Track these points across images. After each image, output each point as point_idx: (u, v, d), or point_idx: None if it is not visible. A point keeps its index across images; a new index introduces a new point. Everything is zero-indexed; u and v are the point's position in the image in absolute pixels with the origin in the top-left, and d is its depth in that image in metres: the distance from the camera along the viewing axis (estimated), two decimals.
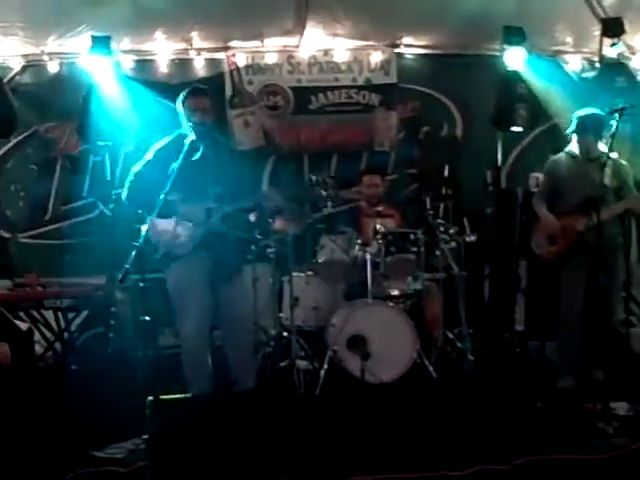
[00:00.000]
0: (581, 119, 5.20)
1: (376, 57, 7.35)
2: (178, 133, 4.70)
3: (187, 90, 4.73)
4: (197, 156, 4.51)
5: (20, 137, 6.89)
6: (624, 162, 5.27)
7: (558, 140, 6.12)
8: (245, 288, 5.11)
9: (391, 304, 5.50)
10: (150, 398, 4.15)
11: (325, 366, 5.21)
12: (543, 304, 5.99)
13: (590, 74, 7.33)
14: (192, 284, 4.55)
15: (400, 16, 6.76)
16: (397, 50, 7.36)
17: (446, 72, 7.34)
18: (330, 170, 7.16)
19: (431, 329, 5.71)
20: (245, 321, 4.84)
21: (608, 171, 4.80)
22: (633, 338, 5.29)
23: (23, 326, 4.87)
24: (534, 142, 7.30)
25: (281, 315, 5.91)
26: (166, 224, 4.47)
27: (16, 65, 6.93)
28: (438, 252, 5.71)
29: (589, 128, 5.14)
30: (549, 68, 7.12)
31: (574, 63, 7.48)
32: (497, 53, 6.98)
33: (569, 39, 7.23)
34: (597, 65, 7.16)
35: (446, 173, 6.32)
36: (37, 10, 6.09)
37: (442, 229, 5.71)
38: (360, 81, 7.35)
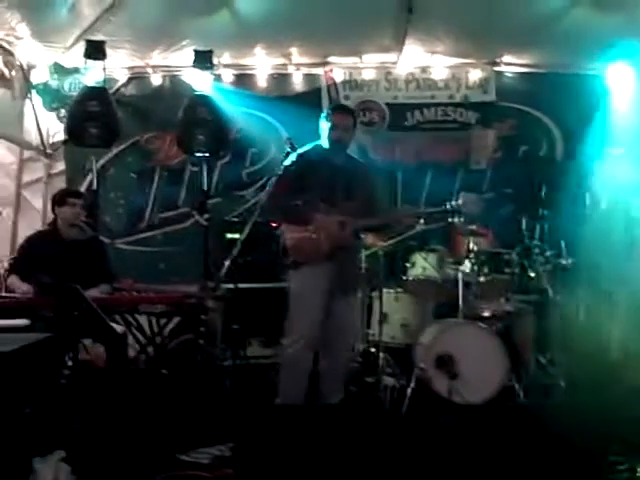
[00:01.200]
0: None
1: (475, 75, 7.27)
2: (315, 144, 4.78)
3: (334, 105, 4.82)
4: (331, 170, 4.54)
5: (122, 146, 7.11)
6: None
7: None
8: (357, 307, 5.10)
9: (482, 325, 5.39)
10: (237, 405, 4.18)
11: (412, 384, 5.15)
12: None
13: None
14: (314, 293, 4.58)
15: (500, 34, 6.65)
16: (496, 68, 7.27)
17: (546, 91, 7.17)
18: (424, 187, 7.08)
19: (522, 352, 5.56)
20: (348, 336, 4.84)
21: None
22: None
23: (119, 329, 4.99)
24: None
25: (369, 331, 5.88)
26: (299, 231, 4.51)
27: (122, 77, 7.19)
28: (533, 274, 5.58)
29: None
30: None
31: None
32: (598, 72, 6.85)
33: None
34: None
35: (543, 193, 6.17)
36: (143, 25, 6.30)
37: (538, 251, 5.58)
38: (457, 99, 7.28)
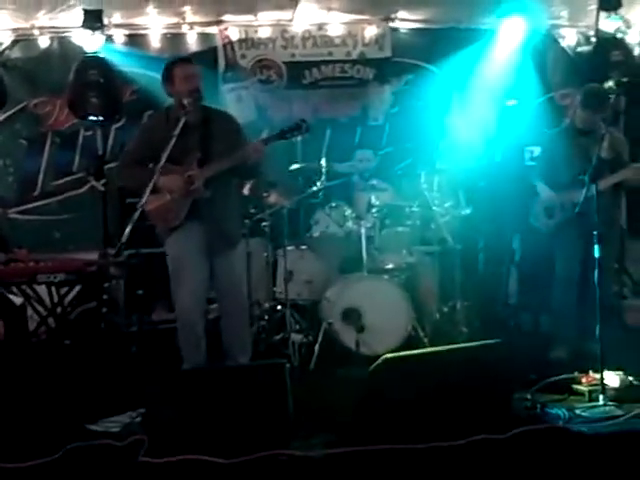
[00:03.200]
0: (587, 92, 5.18)
1: (371, 31, 7.27)
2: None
3: (170, 60, 4.67)
4: (182, 127, 4.38)
5: (9, 112, 6.81)
6: (620, 134, 5.27)
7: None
8: (240, 261, 5.04)
9: (386, 277, 5.49)
10: (144, 372, 4.13)
11: (320, 339, 5.21)
12: (537, 277, 6.00)
13: (586, 48, 7.30)
14: (189, 255, 4.51)
15: None
16: (392, 24, 7.28)
17: (440, 46, 7.27)
18: (324, 144, 7.10)
19: (425, 302, 5.71)
20: (237, 292, 4.78)
21: (605, 144, 4.79)
22: (625, 311, 5.30)
23: (17, 301, 4.83)
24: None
25: (275, 289, 5.89)
26: (152, 198, 4.36)
27: (6, 39, 6.83)
28: (433, 225, 5.70)
29: (591, 102, 5.12)
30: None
31: (570, 38, 7.43)
32: (491, 27, 6.98)
33: (564, 13, 7.17)
34: (593, 40, 7.12)
35: (440, 146, 6.30)
36: None
37: (437, 202, 5.70)
38: (354, 55, 7.28)
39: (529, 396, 4.10)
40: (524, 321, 6.17)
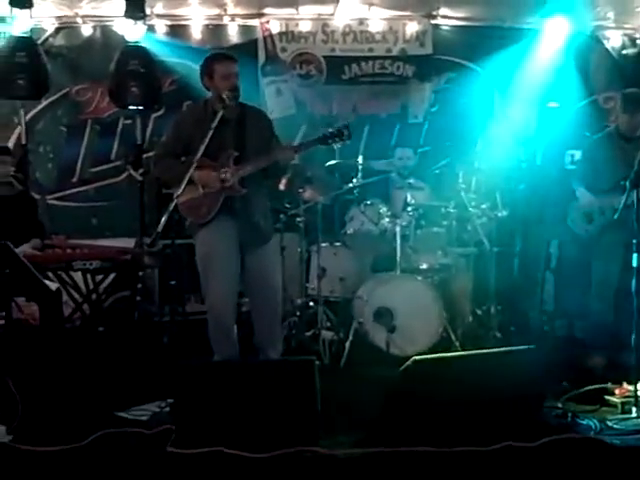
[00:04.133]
0: (626, 97, 5.09)
1: (412, 28, 7.23)
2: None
3: (211, 54, 4.64)
4: (219, 123, 4.38)
5: (52, 98, 6.88)
6: None
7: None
8: (274, 256, 5.02)
9: (419, 278, 5.45)
10: (175, 362, 4.14)
11: (350, 337, 5.20)
12: (574, 283, 5.90)
13: (631, 51, 7.18)
14: (220, 250, 4.51)
15: None
16: (433, 21, 7.25)
17: (482, 44, 7.19)
18: (362, 141, 7.06)
19: (459, 304, 5.66)
20: (268, 287, 4.78)
21: None
22: None
23: (53, 287, 4.88)
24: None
25: (308, 285, 5.89)
26: (186, 192, 4.37)
27: (49, 27, 6.92)
28: (469, 227, 5.65)
29: (631, 106, 5.03)
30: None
31: (615, 39, 7.32)
32: (535, 26, 6.92)
33: (610, 14, 7.05)
34: (639, 42, 7.02)
35: (479, 147, 6.23)
36: None
37: (474, 204, 5.64)
38: (395, 52, 7.25)
39: (560, 405, 4.06)
40: (559, 327, 6.07)
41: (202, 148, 4.22)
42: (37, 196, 6.45)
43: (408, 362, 3.61)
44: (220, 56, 4.66)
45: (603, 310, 5.09)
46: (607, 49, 7.31)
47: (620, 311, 4.93)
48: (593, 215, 5.12)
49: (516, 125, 6.92)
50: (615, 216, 4.64)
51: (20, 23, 6.24)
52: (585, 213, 5.17)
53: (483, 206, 5.66)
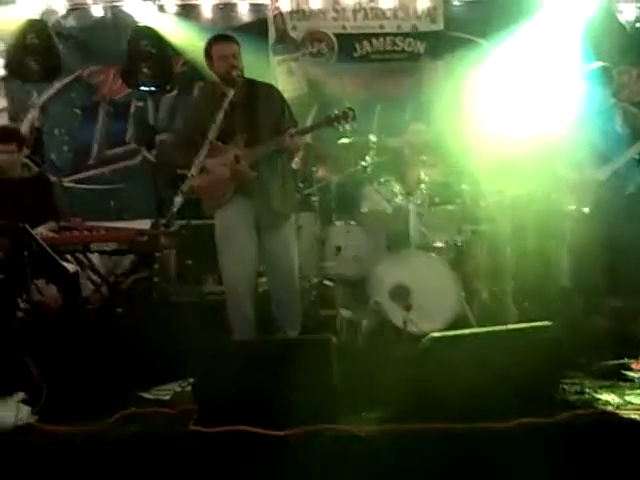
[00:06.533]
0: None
1: (422, 4, 7.17)
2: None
3: (212, 37, 4.64)
4: (227, 105, 4.39)
5: (65, 81, 6.91)
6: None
7: None
8: (291, 237, 5.05)
9: (434, 255, 5.46)
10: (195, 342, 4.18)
11: (367, 316, 5.23)
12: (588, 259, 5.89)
13: None
14: (236, 231, 4.55)
15: None
16: None
17: (494, 20, 7.13)
18: (374, 118, 7.04)
19: (474, 281, 5.67)
20: (285, 268, 4.80)
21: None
22: None
23: (71, 269, 4.92)
24: None
25: (323, 264, 5.91)
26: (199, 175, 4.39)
27: (60, 9, 6.92)
28: (483, 204, 5.64)
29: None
30: None
31: (628, 13, 7.25)
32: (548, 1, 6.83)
33: None
34: None
35: None
36: None
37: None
38: (406, 28, 7.20)
39: (578, 380, 4.08)
40: (576, 303, 6.07)
41: (214, 130, 4.25)
42: (53, 179, 6.49)
43: (425, 339, 3.65)
44: (217, 37, 4.67)
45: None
46: (620, 22, 7.24)
47: None
48: None
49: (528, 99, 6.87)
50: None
51: (31, 5, 6.24)
52: None
53: None
